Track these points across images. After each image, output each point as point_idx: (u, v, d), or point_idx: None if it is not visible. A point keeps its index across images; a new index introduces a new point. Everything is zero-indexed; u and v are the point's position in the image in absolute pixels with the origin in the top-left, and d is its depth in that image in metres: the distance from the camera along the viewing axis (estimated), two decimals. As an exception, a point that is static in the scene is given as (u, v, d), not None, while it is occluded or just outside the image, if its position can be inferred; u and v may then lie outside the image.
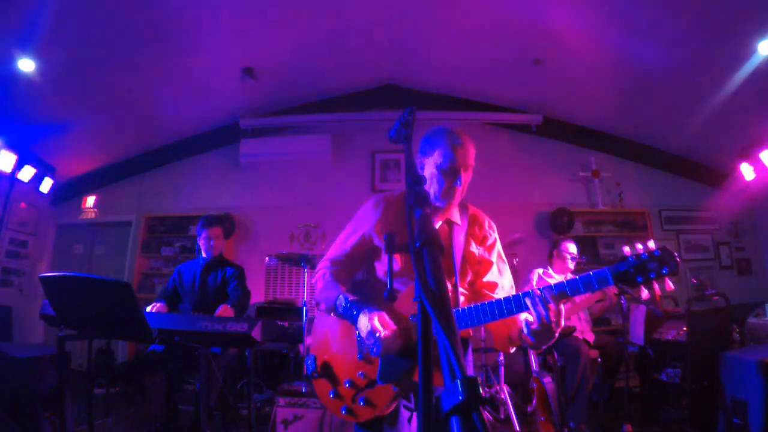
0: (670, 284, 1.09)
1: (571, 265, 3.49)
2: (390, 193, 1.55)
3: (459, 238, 1.48)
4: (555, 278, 3.54)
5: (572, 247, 3.51)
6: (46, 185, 4.96)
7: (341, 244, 1.55)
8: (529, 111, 5.29)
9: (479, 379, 0.52)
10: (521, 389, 3.62)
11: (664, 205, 5.37)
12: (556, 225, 5.06)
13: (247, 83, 4.64)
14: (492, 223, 1.58)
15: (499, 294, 1.48)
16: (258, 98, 5.16)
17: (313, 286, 1.55)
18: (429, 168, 1.45)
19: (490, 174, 5.17)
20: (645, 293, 1.11)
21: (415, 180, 0.92)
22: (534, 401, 2.85)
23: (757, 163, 4.23)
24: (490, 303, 1.26)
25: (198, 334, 2.09)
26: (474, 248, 1.50)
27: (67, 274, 2.01)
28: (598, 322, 4.14)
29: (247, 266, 3.36)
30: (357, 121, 5.34)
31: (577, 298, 3.46)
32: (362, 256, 1.52)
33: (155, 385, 2.70)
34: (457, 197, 1.44)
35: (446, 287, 0.68)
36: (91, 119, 4.60)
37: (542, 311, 1.15)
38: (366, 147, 5.50)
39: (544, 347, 1.30)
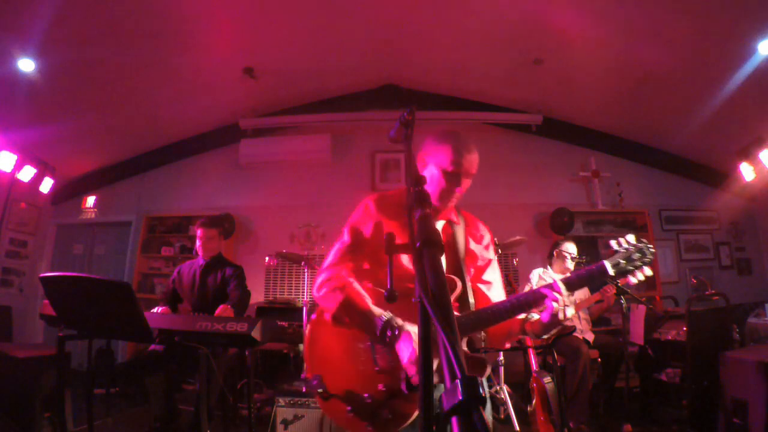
0: (648, 271, 1.31)
1: (571, 265, 3.48)
2: (385, 192, 1.54)
3: (460, 237, 1.51)
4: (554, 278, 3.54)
5: (572, 247, 3.51)
6: (46, 185, 4.95)
7: (339, 250, 1.47)
8: (529, 111, 5.29)
9: (479, 379, 0.52)
10: (521, 389, 3.62)
11: (664, 205, 5.37)
12: (556, 225, 5.06)
13: (247, 83, 4.64)
14: (485, 224, 1.63)
15: (493, 291, 1.53)
16: (258, 98, 5.15)
17: (320, 296, 1.41)
18: (431, 169, 1.44)
19: (490, 174, 5.17)
20: (633, 281, 1.34)
21: (416, 180, 0.92)
22: (534, 401, 2.85)
23: (757, 163, 4.22)
24: (511, 300, 1.34)
25: (198, 334, 2.09)
26: (473, 246, 1.54)
27: (67, 274, 2.01)
28: (598, 322, 4.14)
29: (247, 266, 3.36)
30: (357, 121, 5.33)
31: (577, 299, 3.46)
32: (364, 255, 1.46)
33: (155, 385, 2.70)
34: (454, 201, 1.46)
35: (446, 287, 0.68)
36: (91, 119, 4.60)
37: (559, 301, 1.27)
38: (366, 147, 5.50)
39: (546, 335, 1.36)
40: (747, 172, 4.36)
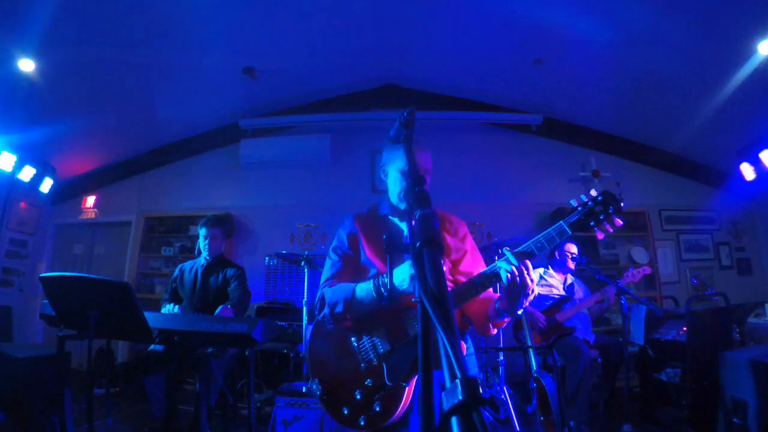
0: (619, 221, 1.27)
1: (572, 265, 3.48)
2: (360, 213, 1.68)
3: None
4: (555, 278, 3.54)
5: (572, 247, 3.51)
6: (46, 185, 4.95)
7: (332, 266, 1.62)
8: (529, 111, 5.28)
9: (479, 380, 0.52)
10: (521, 389, 3.62)
11: (664, 205, 5.37)
12: (556, 225, 5.05)
13: (247, 83, 4.64)
14: (461, 220, 1.72)
15: None
16: (258, 98, 5.15)
17: (320, 304, 1.55)
18: (392, 174, 1.57)
19: (490, 174, 5.18)
20: (600, 235, 1.29)
21: (416, 180, 0.92)
22: (534, 401, 2.85)
23: (757, 163, 4.22)
24: (470, 280, 1.36)
25: (198, 334, 2.09)
26: (448, 240, 1.61)
27: (67, 274, 2.01)
28: (598, 322, 4.14)
29: (247, 266, 3.36)
30: (357, 121, 5.33)
31: (577, 299, 3.46)
32: (352, 272, 1.60)
33: (155, 385, 2.70)
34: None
35: (446, 286, 0.68)
36: (91, 119, 4.59)
37: (514, 269, 1.24)
38: (366, 147, 5.50)
39: (518, 311, 1.33)
40: (747, 172, 4.36)
